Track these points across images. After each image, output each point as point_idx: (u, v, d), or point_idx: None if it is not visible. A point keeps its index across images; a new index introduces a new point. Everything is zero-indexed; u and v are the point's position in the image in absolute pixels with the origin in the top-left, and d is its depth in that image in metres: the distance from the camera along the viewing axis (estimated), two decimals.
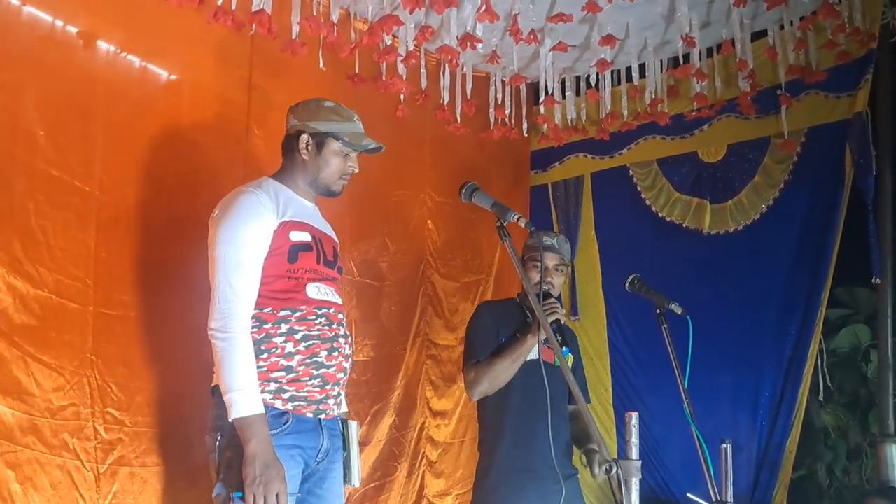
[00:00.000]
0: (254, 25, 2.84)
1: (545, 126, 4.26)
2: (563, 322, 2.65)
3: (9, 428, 2.17)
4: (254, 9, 2.83)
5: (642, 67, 4.01)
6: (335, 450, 2.26)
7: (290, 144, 2.30)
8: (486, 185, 3.48)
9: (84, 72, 2.49)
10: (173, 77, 2.77)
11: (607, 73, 4.02)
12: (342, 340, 2.24)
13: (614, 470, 1.94)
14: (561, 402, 2.70)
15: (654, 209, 4.33)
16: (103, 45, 2.55)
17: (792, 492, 3.94)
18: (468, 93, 3.83)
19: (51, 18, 2.41)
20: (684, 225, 4.23)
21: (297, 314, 2.16)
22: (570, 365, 2.82)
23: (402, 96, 3.57)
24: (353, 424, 2.32)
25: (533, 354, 2.68)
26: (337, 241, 2.39)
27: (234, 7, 2.78)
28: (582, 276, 4.51)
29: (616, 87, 4.17)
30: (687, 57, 3.86)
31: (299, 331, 2.16)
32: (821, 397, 4.17)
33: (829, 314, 4.10)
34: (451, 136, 3.86)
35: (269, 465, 1.99)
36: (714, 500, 2.32)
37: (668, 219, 4.29)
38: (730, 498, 2.29)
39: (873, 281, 3.76)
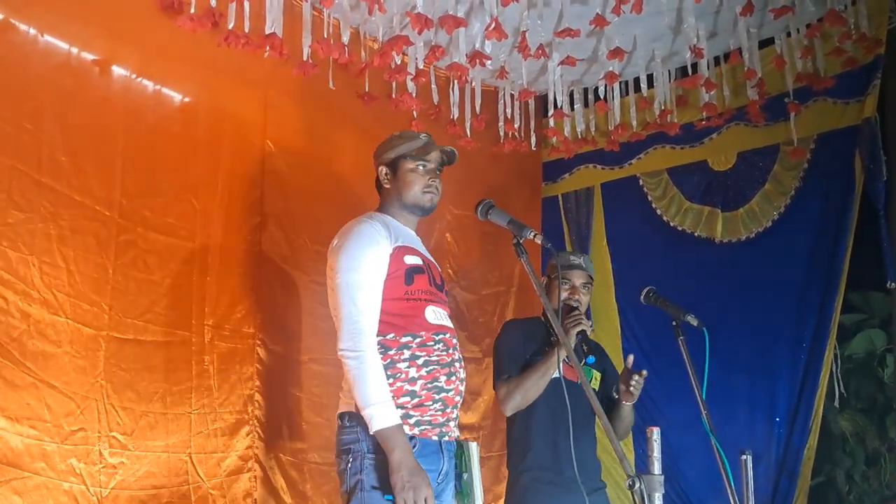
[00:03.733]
0: (267, 48, 2.84)
1: (555, 138, 4.25)
2: (588, 334, 2.67)
3: (18, 454, 2.16)
4: (266, 31, 2.83)
5: (650, 78, 4.01)
6: (451, 471, 2.32)
7: (378, 183, 2.46)
8: (500, 198, 3.47)
9: (101, 97, 2.51)
10: (188, 100, 2.78)
11: (616, 85, 4.01)
12: (458, 365, 2.32)
13: (637, 485, 1.90)
14: (586, 417, 2.69)
15: (665, 218, 4.30)
16: (118, 70, 2.56)
17: (811, 499, 3.89)
18: (478, 108, 3.82)
19: (67, 46, 2.43)
20: (696, 234, 4.20)
21: (418, 340, 2.24)
22: (597, 382, 2.87)
23: (414, 113, 3.57)
24: (473, 445, 2.36)
25: (555, 373, 2.68)
26: (438, 266, 2.47)
27: (246, 30, 2.77)
28: (595, 286, 4.43)
29: (625, 98, 4.16)
30: (695, 67, 3.86)
31: (420, 356, 2.24)
32: (837, 403, 4.12)
33: (843, 319, 4.05)
34: (464, 151, 3.83)
35: (415, 471, 2.08)
36: None
37: (679, 228, 4.25)
38: None
39: (888, 285, 3.71)
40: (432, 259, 2.44)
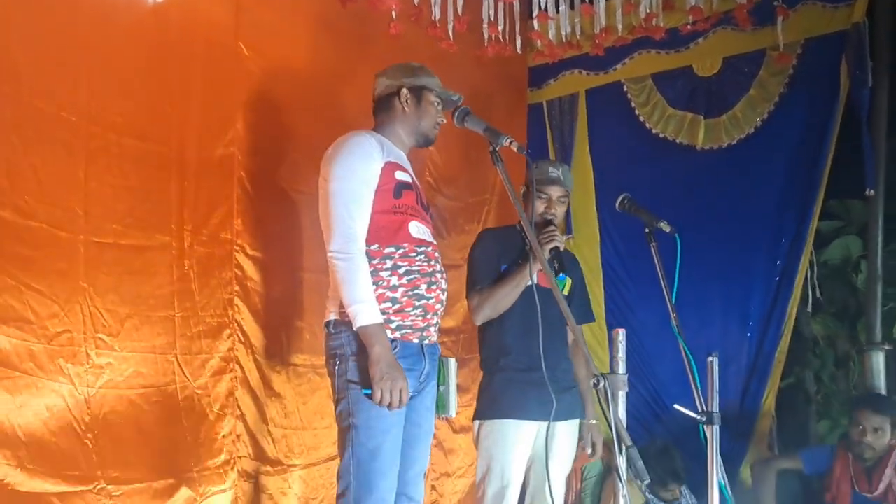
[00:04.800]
0: None
1: (539, 42, 4.16)
2: (561, 249, 2.70)
3: (6, 355, 2.20)
4: None
5: None
6: (433, 371, 2.46)
7: (387, 102, 2.51)
8: (485, 104, 3.44)
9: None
10: (159, 0, 2.68)
11: None
12: (439, 276, 2.43)
13: (601, 383, 1.96)
14: (557, 322, 2.67)
15: (647, 125, 4.27)
16: None
17: (780, 398, 4.04)
18: (460, 10, 3.71)
19: None
20: (677, 141, 4.18)
21: (401, 251, 2.34)
22: (567, 288, 2.91)
23: (393, 13, 3.47)
24: (452, 361, 2.53)
25: (528, 281, 2.72)
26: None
27: None
28: (576, 194, 4.38)
29: (610, 1, 4.04)
30: None
31: (402, 266, 2.34)
32: (810, 308, 4.21)
33: (821, 226, 4.12)
34: (446, 55, 3.76)
35: (393, 365, 2.21)
36: (700, 410, 2.36)
37: (661, 135, 4.23)
38: (715, 408, 2.33)
39: (866, 193, 3.74)
40: (419, 185, 2.56)
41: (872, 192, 3.73)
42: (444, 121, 2.55)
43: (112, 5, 2.54)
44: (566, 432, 2.81)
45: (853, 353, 4.47)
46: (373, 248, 2.31)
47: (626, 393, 2.25)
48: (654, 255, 2.60)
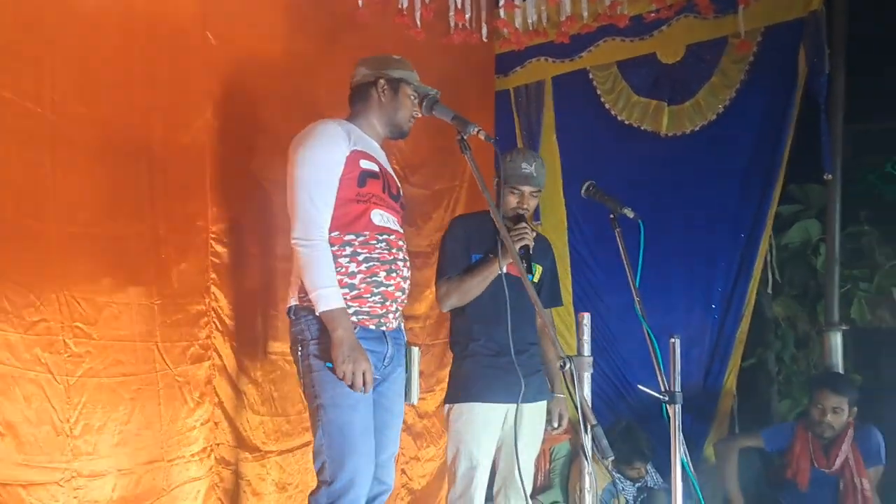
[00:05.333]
0: None
1: (506, 30, 4.19)
2: (531, 247, 2.74)
3: None
4: None
5: None
6: (399, 356, 2.52)
7: (364, 91, 2.55)
8: (452, 91, 3.45)
9: None
10: None
11: None
12: (401, 264, 2.47)
13: (567, 366, 2.02)
14: (526, 308, 2.75)
15: (613, 112, 4.32)
16: None
17: (741, 378, 4.14)
18: None
19: None
20: (642, 127, 4.24)
21: (361, 238, 2.39)
22: (538, 275, 2.95)
23: (360, 2, 3.48)
24: (415, 349, 2.60)
25: (504, 269, 2.76)
26: (399, 185, 2.62)
27: None
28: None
29: None
30: None
31: (361, 253, 2.39)
32: (770, 290, 4.31)
33: (781, 210, 4.20)
34: (413, 43, 3.78)
35: (355, 347, 2.27)
36: (663, 390, 2.42)
37: (626, 122, 4.28)
38: (677, 388, 2.40)
39: (824, 177, 3.83)
40: (392, 173, 2.61)
41: (830, 176, 3.82)
42: (419, 114, 2.58)
43: None
44: (534, 415, 2.88)
45: (813, 334, 4.58)
46: (333, 234, 2.35)
47: (592, 374, 2.30)
48: (618, 240, 2.66)
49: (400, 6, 3.66)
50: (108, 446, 2.47)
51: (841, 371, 3.87)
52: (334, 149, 2.37)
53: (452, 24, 3.97)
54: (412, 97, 2.55)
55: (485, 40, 4.14)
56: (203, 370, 2.79)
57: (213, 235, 2.86)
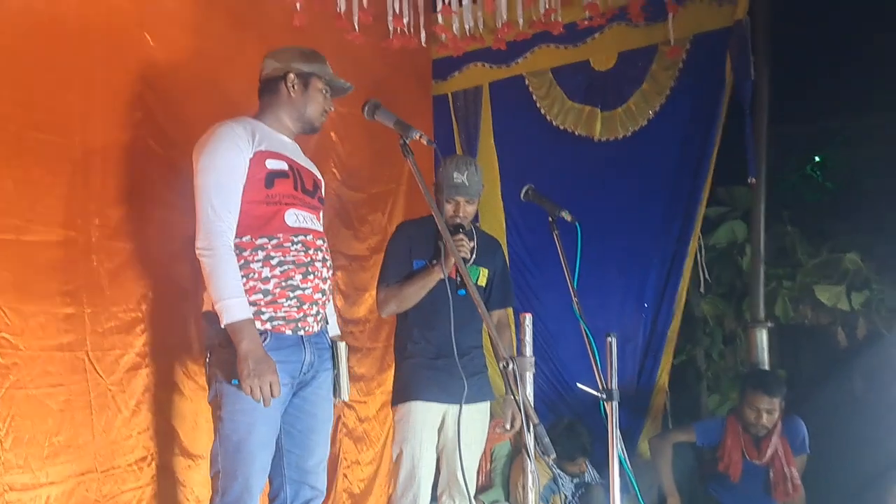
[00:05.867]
0: None
1: (443, 35, 4.22)
2: (469, 260, 2.80)
3: None
4: None
5: None
6: (322, 362, 2.45)
7: (273, 85, 2.48)
8: (390, 95, 3.46)
9: None
10: None
11: None
12: (319, 265, 2.41)
13: (510, 366, 2.04)
14: (469, 309, 2.70)
15: (548, 118, 4.41)
16: None
17: (673, 375, 4.25)
18: (365, 1, 3.72)
19: None
20: (576, 133, 4.34)
21: (274, 241, 2.32)
22: (485, 278, 2.98)
23: (297, 5, 3.46)
24: (342, 345, 2.53)
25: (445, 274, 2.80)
26: (320, 176, 2.55)
27: None
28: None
29: None
30: None
31: (275, 257, 2.32)
32: (701, 289, 4.44)
33: (708, 212, 4.33)
34: (351, 47, 3.77)
35: (261, 360, 2.19)
36: (601, 387, 2.47)
37: (561, 127, 4.38)
38: (614, 386, 2.45)
39: (749, 180, 3.97)
40: (310, 167, 2.54)
41: (754, 179, 3.96)
42: (332, 109, 2.55)
43: None
44: (476, 416, 2.90)
45: (739, 331, 4.73)
46: (244, 239, 2.30)
47: (533, 374, 2.34)
48: (556, 242, 2.70)
49: (338, 10, 3.65)
50: (39, 459, 2.38)
51: (766, 366, 4.00)
52: (234, 152, 2.30)
53: (391, 28, 3.97)
54: (324, 91, 2.51)
55: (423, 45, 4.15)
56: (140, 378, 2.72)
57: (147, 240, 2.78)
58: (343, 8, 3.66)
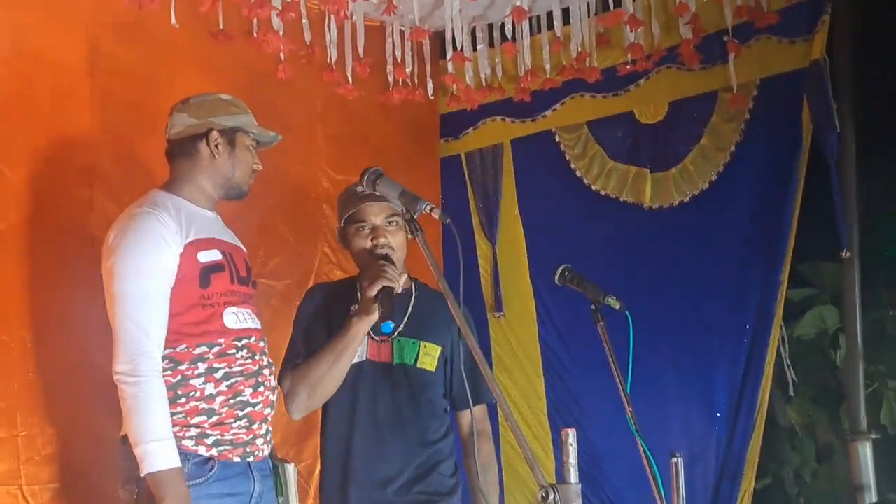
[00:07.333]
0: None
1: (454, 86, 4.33)
2: (397, 289, 2.51)
3: None
4: None
5: (566, 13, 4.10)
6: (268, 491, 2.45)
7: (189, 146, 2.47)
8: (391, 159, 3.56)
9: None
10: None
11: (525, 22, 4.08)
12: (266, 372, 2.44)
13: (551, 496, 2.04)
14: (412, 414, 2.62)
15: (585, 181, 4.46)
16: None
17: (756, 503, 4.18)
18: (360, 50, 3.87)
19: None
20: (622, 199, 4.37)
21: (216, 349, 2.33)
22: (433, 359, 2.67)
23: (281, 55, 3.60)
24: (290, 468, 2.52)
25: (358, 355, 2.58)
26: (244, 249, 2.56)
27: None
28: (506, 264, 4.64)
29: (536, 37, 4.26)
30: (618, 0, 3.98)
31: (219, 368, 2.34)
32: (791, 391, 4.40)
33: (790, 295, 4.29)
34: (345, 101, 3.91)
35: None
36: None
37: (602, 192, 4.42)
38: None
39: (842, 254, 3.94)
40: (235, 242, 2.55)
41: (848, 253, 3.94)
42: (261, 167, 2.56)
43: None
44: None
45: (836, 444, 4.67)
46: (179, 349, 2.31)
47: None
48: (602, 336, 2.71)
49: (329, 60, 3.79)
50: None
51: (873, 489, 3.93)
52: (162, 250, 2.30)
53: (391, 80, 4.11)
54: (251, 147, 2.53)
55: (430, 98, 4.28)
56: None
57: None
58: (335, 58, 3.80)
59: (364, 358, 2.52)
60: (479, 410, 2.74)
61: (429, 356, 2.66)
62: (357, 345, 2.51)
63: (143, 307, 2.26)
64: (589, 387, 4.29)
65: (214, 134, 2.46)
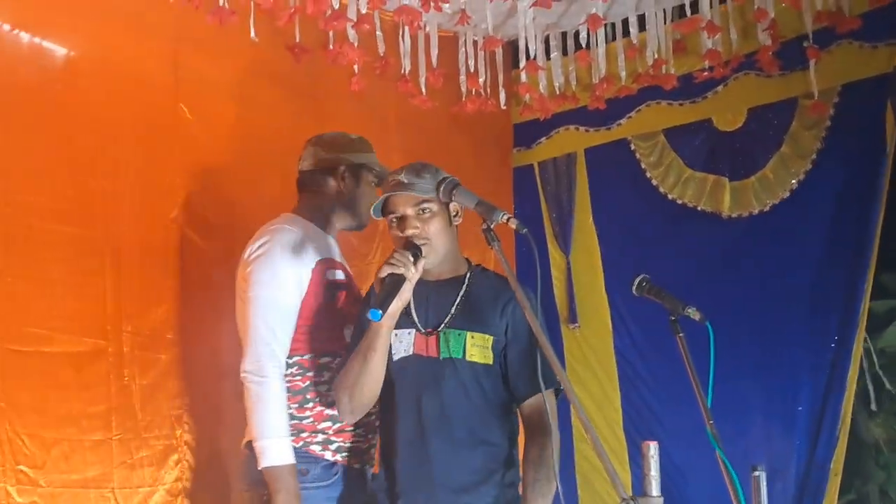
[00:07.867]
0: None
1: (527, 95, 4.36)
2: (408, 275, 2.32)
3: None
4: None
5: (641, 20, 4.12)
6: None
7: (319, 178, 2.72)
8: (464, 169, 3.60)
9: None
10: (73, 54, 2.81)
11: (600, 29, 4.10)
12: None
13: None
14: (460, 413, 2.45)
15: (661, 190, 4.47)
16: None
17: None
18: (434, 60, 3.92)
19: None
20: (699, 208, 4.37)
21: (338, 360, 2.46)
22: (488, 351, 2.49)
23: (355, 67, 3.67)
24: None
25: (405, 349, 2.48)
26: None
27: None
28: (580, 274, 4.66)
29: (611, 45, 4.28)
30: (695, 6, 3.94)
31: None
32: (873, 406, 4.33)
33: (874, 306, 4.23)
34: (418, 112, 3.96)
35: None
36: None
37: (679, 201, 4.43)
38: None
39: None
40: (348, 268, 2.73)
41: None
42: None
43: (16, 60, 2.63)
44: None
45: None
46: (306, 357, 2.48)
47: None
48: (681, 348, 2.71)
49: (402, 71, 3.85)
50: None
51: None
52: (299, 264, 2.51)
53: (464, 90, 4.16)
54: (373, 184, 2.72)
55: (503, 107, 4.32)
56: None
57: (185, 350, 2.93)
58: (408, 69, 3.86)
59: (411, 353, 2.42)
60: (536, 400, 2.48)
61: (478, 347, 2.48)
62: (382, 340, 2.34)
63: (275, 313, 2.46)
64: (666, 399, 4.29)
65: (342, 168, 2.69)
